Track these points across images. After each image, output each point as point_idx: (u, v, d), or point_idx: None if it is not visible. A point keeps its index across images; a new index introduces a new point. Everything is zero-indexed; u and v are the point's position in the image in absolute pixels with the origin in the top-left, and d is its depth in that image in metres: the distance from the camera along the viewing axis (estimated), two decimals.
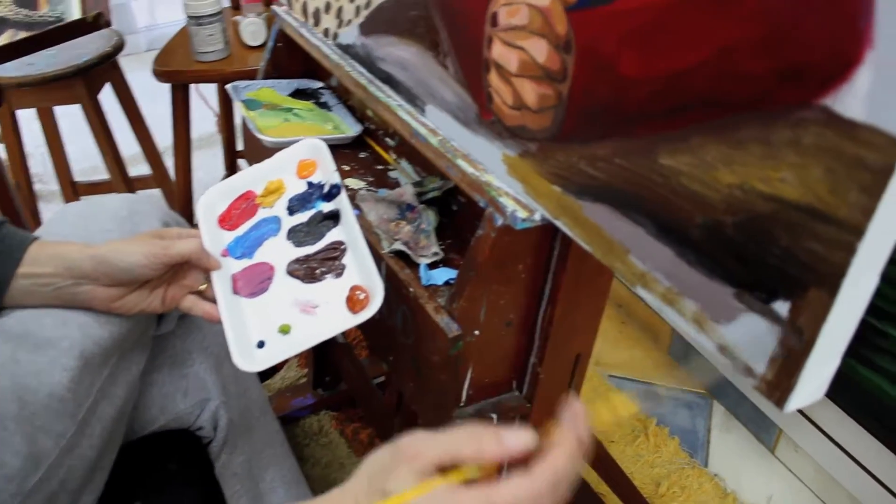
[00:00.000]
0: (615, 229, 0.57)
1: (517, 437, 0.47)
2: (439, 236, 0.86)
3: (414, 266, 0.80)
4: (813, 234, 0.42)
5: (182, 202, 1.76)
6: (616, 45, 0.53)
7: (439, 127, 0.79)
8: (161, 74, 1.46)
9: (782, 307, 0.45)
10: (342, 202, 0.79)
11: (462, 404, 0.82)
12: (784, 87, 0.42)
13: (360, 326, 0.73)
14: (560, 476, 0.47)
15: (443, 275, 0.79)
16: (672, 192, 0.51)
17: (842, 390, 1.22)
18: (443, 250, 0.83)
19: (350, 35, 0.97)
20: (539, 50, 0.61)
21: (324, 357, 1.54)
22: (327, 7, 1.02)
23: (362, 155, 1.04)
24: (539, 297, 0.76)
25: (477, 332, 0.75)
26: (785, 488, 1.47)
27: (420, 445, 0.47)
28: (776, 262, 0.45)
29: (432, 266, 0.80)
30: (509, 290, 0.74)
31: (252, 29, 1.53)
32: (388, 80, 0.89)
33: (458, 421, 0.81)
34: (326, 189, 0.81)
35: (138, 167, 2.18)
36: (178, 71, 1.45)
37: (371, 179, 0.97)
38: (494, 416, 0.82)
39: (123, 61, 1.67)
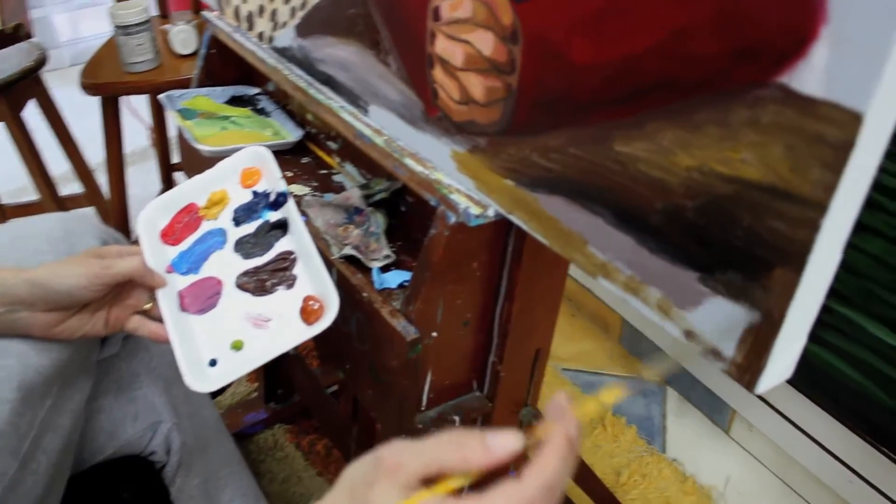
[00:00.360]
0: (572, 221, 0.56)
1: (504, 441, 0.44)
2: (389, 238, 0.84)
3: (366, 271, 0.78)
4: (776, 213, 0.42)
5: (118, 220, 1.70)
6: (565, 32, 0.52)
7: (384, 127, 0.78)
8: (89, 88, 1.41)
9: (748, 288, 0.45)
10: (290, 210, 0.76)
11: (423, 408, 0.80)
12: (739, 66, 0.42)
13: (313, 336, 0.71)
14: (553, 479, 0.44)
15: (396, 277, 0.77)
16: (630, 179, 0.50)
17: None
18: (394, 252, 0.81)
19: (286, 38, 0.94)
20: (485, 42, 0.60)
21: (275, 370, 1.50)
22: (261, 10, 0.99)
23: (305, 160, 1.01)
24: (495, 295, 0.75)
25: (435, 334, 0.73)
26: (742, 468, 1.49)
27: (402, 456, 0.44)
28: (740, 244, 0.44)
29: (385, 269, 0.79)
30: (465, 288, 0.72)
31: (182, 37, 1.48)
32: (328, 81, 0.87)
33: (419, 426, 0.79)
34: (272, 197, 0.78)
35: (69, 186, 2.10)
36: (107, 83, 1.40)
37: (315, 185, 0.95)
38: (456, 418, 0.81)
39: (47, 77, 1.61)
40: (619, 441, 1.58)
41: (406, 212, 0.86)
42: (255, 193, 0.79)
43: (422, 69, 0.68)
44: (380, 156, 0.75)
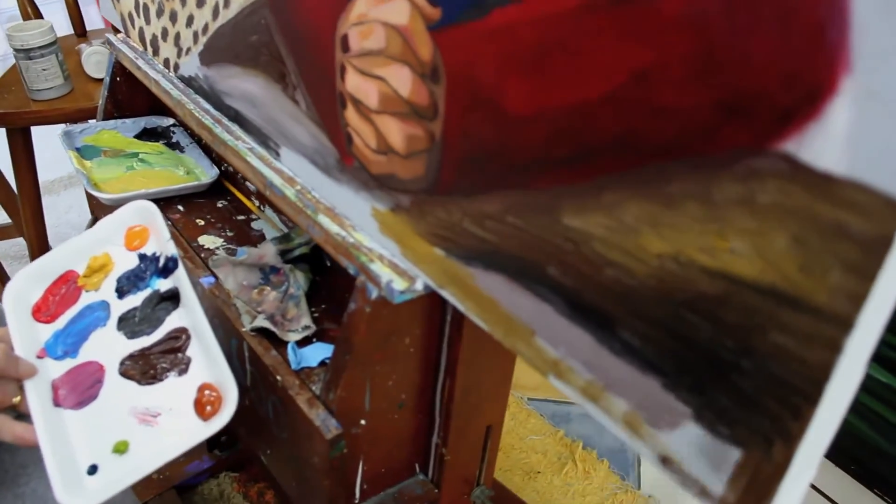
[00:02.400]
0: (515, 305, 0.45)
1: None
2: (313, 299, 0.72)
3: (282, 345, 0.66)
4: (779, 324, 0.31)
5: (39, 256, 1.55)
6: (495, 71, 0.41)
7: (298, 174, 0.65)
8: None
9: (743, 417, 0.34)
10: (180, 279, 0.63)
11: (357, 501, 0.68)
12: (727, 125, 0.31)
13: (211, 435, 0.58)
14: None
15: (317, 353, 0.65)
16: (584, 261, 0.39)
17: None
18: (317, 319, 0.69)
19: (191, 66, 0.82)
20: (401, 80, 0.48)
21: None
22: (164, 34, 0.87)
23: (221, 204, 0.88)
24: (435, 371, 0.64)
25: (363, 422, 0.61)
26: None
27: None
28: (730, 360, 0.33)
29: (304, 342, 0.66)
30: (396, 368, 0.60)
31: (96, 59, 1.34)
32: (236, 118, 0.75)
33: None
34: (162, 262, 0.65)
35: None
36: (9, 113, 1.26)
37: (230, 234, 0.82)
38: None
39: None
40: (591, 478, 1.48)
41: (332, 267, 0.74)
42: (142, 257, 0.66)
43: (333, 109, 0.56)
44: (291, 210, 0.63)
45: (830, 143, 0.27)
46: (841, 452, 1.13)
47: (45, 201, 2.11)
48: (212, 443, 1.46)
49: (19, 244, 1.98)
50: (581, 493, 1.46)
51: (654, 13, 0.32)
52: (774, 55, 0.28)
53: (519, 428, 1.59)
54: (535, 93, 0.38)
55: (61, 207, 2.16)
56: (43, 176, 1.51)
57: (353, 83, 0.53)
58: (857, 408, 1.07)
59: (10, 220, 1.78)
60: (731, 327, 0.33)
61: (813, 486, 1.22)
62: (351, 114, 0.54)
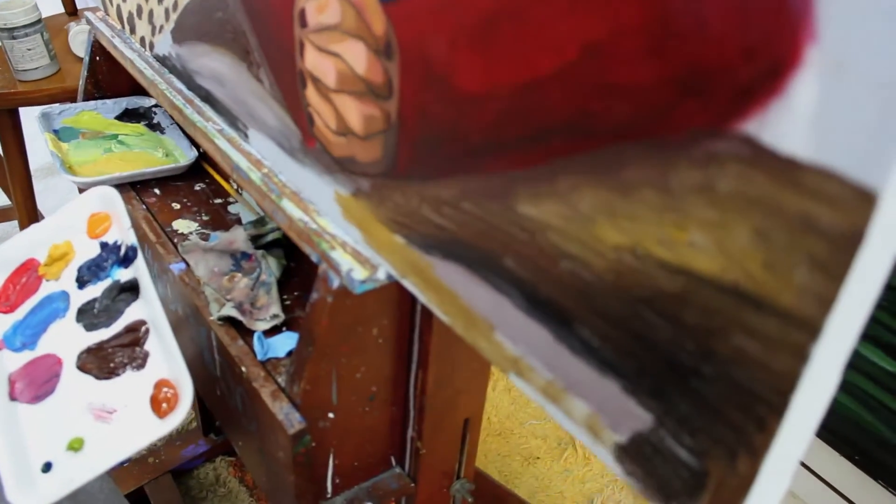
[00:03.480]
0: (474, 297, 0.42)
1: None
2: (286, 286, 0.69)
3: (251, 334, 0.63)
4: (742, 326, 0.28)
5: None
6: (446, 46, 0.37)
7: (265, 157, 0.62)
8: None
9: (705, 426, 0.31)
10: (139, 268, 0.61)
11: (329, 495, 0.66)
12: (683, 104, 0.27)
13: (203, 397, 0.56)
14: None
15: (284, 343, 0.62)
16: (539, 252, 0.36)
17: None
18: (289, 307, 0.66)
19: (164, 44, 0.78)
20: (357, 56, 0.45)
21: None
22: (139, 11, 0.83)
23: (198, 186, 0.85)
24: (408, 363, 0.61)
25: (332, 415, 0.59)
26: None
27: None
28: (691, 364, 0.30)
29: (273, 331, 0.63)
30: (365, 359, 0.58)
31: (82, 38, 1.31)
32: (207, 98, 0.72)
33: None
34: (123, 252, 0.62)
35: None
36: None
37: (205, 219, 0.79)
38: (370, 503, 0.67)
39: None
40: (591, 464, 1.46)
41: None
42: (104, 246, 0.64)
43: (294, 88, 0.53)
44: (258, 195, 0.60)
45: (795, 123, 0.24)
46: (845, 442, 1.10)
47: (47, 183, 2.10)
48: (207, 426, 1.45)
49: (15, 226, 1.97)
50: (581, 479, 1.44)
51: None
52: (732, 24, 0.25)
53: (519, 412, 1.56)
54: (486, 69, 0.35)
55: (62, 189, 2.14)
56: (44, 158, 1.48)
57: (312, 60, 0.50)
58: (861, 397, 1.04)
59: (10, 203, 1.77)
60: (691, 328, 0.30)
61: (817, 476, 1.19)
62: (311, 93, 0.51)
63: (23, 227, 1.48)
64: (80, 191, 0.79)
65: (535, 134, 0.34)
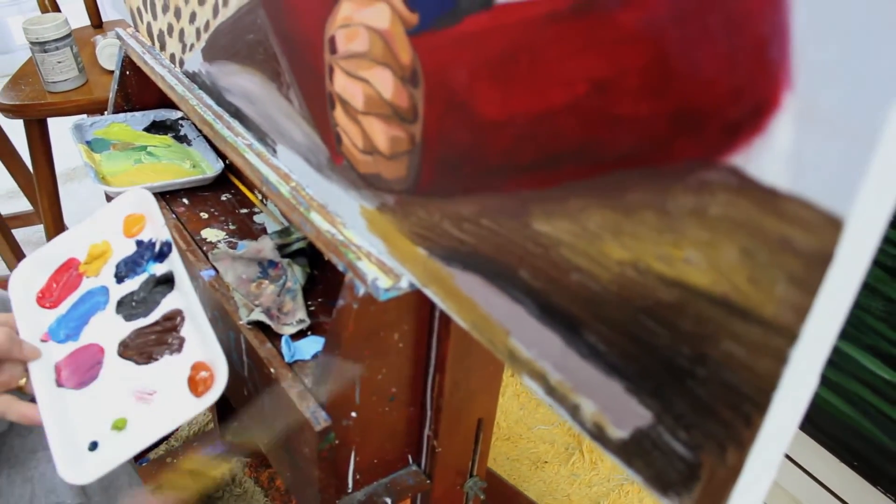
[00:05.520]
0: (492, 306, 0.45)
1: None
2: (310, 293, 0.73)
3: (278, 338, 0.67)
4: (731, 334, 0.31)
5: None
6: (468, 77, 0.41)
7: (292, 171, 0.67)
8: (8, 110, 1.28)
9: (698, 422, 0.34)
10: (174, 262, 0.65)
11: (349, 491, 0.69)
12: (679, 137, 0.31)
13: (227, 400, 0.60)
14: None
15: (310, 346, 0.66)
16: (552, 265, 0.40)
17: None
18: (313, 312, 0.70)
19: (195, 62, 0.83)
20: (384, 82, 0.49)
21: (227, 400, 1.39)
22: (170, 29, 0.88)
23: (225, 197, 0.90)
24: (426, 366, 0.65)
25: (354, 414, 0.62)
26: None
27: None
28: (685, 367, 0.34)
29: (298, 335, 0.68)
30: (386, 362, 0.62)
31: (110, 51, 1.36)
32: (237, 114, 0.76)
33: None
34: (158, 248, 0.67)
35: (16, 203, 1.99)
36: (25, 105, 1.28)
37: (233, 228, 0.84)
38: (388, 499, 0.70)
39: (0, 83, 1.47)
40: (598, 469, 1.49)
41: (330, 261, 0.75)
42: (140, 243, 0.68)
43: (323, 109, 0.57)
44: (286, 207, 0.64)
45: (775, 157, 0.28)
46: (845, 449, 1.13)
47: (67, 188, 2.15)
48: (224, 429, 1.48)
49: (41, 231, 2.02)
50: (587, 483, 1.47)
51: (612, 26, 0.32)
52: (722, 69, 0.29)
53: (528, 418, 1.59)
54: (504, 98, 0.39)
55: (82, 195, 2.19)
56: (65, 164, 1.53)
57: (341, 84, 0.54)
58: (861, 405, 1.07)
59: (31, 208, 1.82)
60: (686, 335, 0.33)
61: (818, 482, 1.22)
62: (340, 114, 0.55)
63: (48, 230, 1.53)
64: (108, 198, 0.84)
65: (548, 159, 0.38)
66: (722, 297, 0.31)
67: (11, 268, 1.68)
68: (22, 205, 1.93)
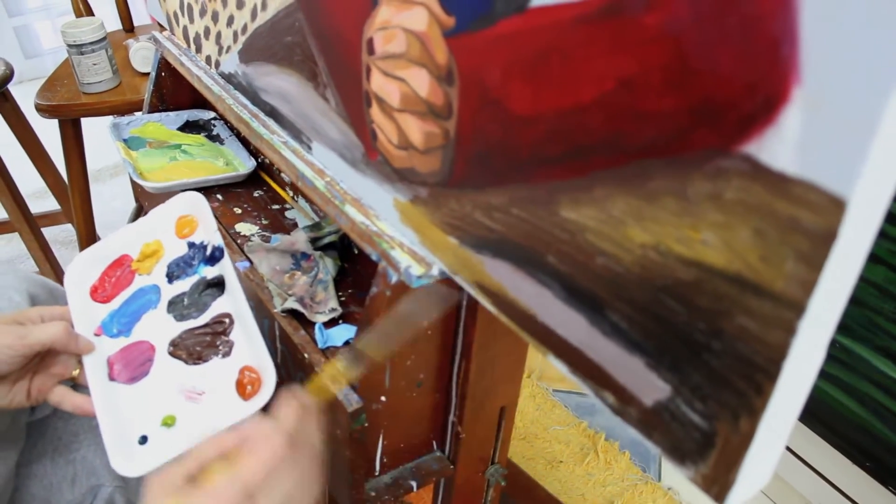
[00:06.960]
0: (519, 290, 0.49)
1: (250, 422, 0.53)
2: (340, 284, 0.77)
3: (310, 325, 0.70)
4: (743, 308, 0.34)
5: (86, 245, 1.62)
6: (501, 76, 0.45)
7: (327, 166, 0.70)
8: (44, 110, 1.33)
9: (713, 393, 0.37)
10: (226, 267, 0.68)
11: (376, 473, 0.73)
12: (698, 129, 0.34)
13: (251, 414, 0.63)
14: (292, 430, 0.52)
15: (342, 334, 0.69)
16: (578, 250, 0.43)
17: None
18: (343, 302, 0.74)
19: (231, 63, 0.87)
20: (420, 82, 0.52)
21: None
22: (206, 32, 0.92)
23: (257, 193, 0.93)
24: (452, 353, 0.68)
25: (384, 399, 0.66)
26: None
27: (165, 469, 0.50)
28: (702, 341, 0.37)
29: (330, 324, 0.71)
30: (415, 349, 0.65)
31: (143, 54, 1.40)
32: (272, 113, 0.80)
33: (371, 493, 0.72)
34: (209, 251, 0.70)
35: (44, 202, 2.03)
36: (61, 105, 1.32)
37: (265, 222, 0.87)
38: (413, 483, 0.73)
39: (27, 86, 1.52)
40: (612, 468, 1.51)
41: (359, 254, 0.78)
42: (191, 245, 0.71)
43: (359, 107, 0.61)
44: (321, 200, 0.67)
45: (784, 145, 0.31)
46: (857, 450, 1.15)
47: (92, 189, 2.19)
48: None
49: (67, 230, 2.06)
50: (602, 482, 1.48)
51: (638, 28, 0.35)
52: (738, 67, 0.32)
53: (543, 418, 1.62)
54: (536, 96, 0.42)
55: (107, 195, 2.24)
56: (90, 165, 1.58)
57: (378, 83, 0.57)
58: (872, 406, 1.09)
59: (59, 207, 1.86)
60: (703, 311, 0.36)
61: (830, 483, 1.24)
62: (375, 112, 0.58)
63: (79, 227, 1.57)
64: (136, 196, 0.87)
65: (576, 151, 0.41)
66: (736, 274, 0.34)
67: (41, 265, 1.72)
68: (49, 204, 1.98)
